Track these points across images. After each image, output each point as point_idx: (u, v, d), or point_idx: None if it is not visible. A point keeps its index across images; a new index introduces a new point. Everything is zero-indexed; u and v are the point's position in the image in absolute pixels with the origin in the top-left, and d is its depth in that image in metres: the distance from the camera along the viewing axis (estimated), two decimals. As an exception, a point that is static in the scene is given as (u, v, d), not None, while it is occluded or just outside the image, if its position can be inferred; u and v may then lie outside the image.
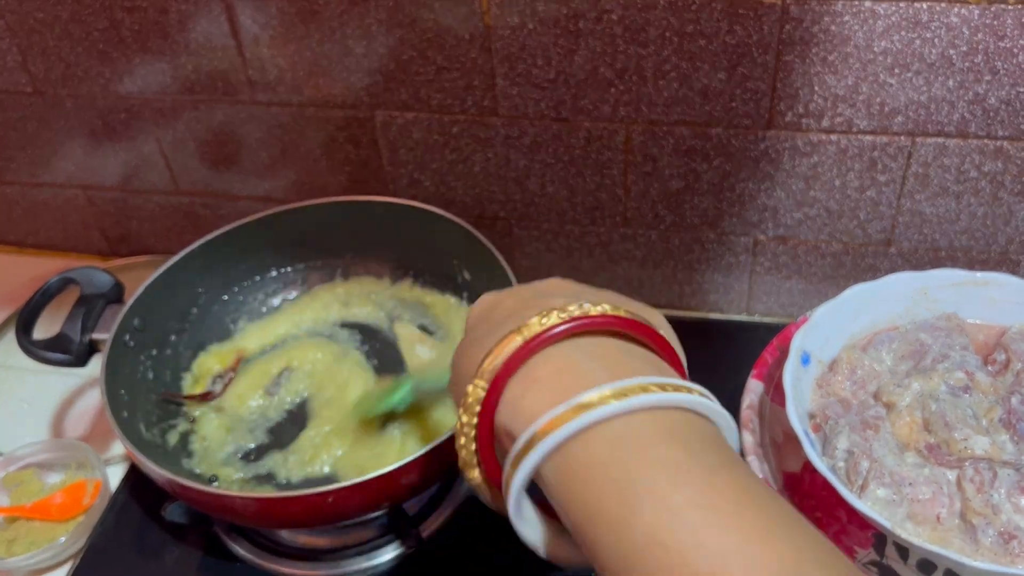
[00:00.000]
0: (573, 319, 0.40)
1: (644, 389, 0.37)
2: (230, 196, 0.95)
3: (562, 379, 0.39)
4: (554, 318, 0.40)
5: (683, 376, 0.44)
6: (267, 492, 0.71)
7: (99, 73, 0.88)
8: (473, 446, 0.42)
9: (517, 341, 0.40)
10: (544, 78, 0.78)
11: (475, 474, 0.43)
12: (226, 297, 0.85)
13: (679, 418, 0.38)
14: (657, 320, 0.47)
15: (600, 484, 0.36)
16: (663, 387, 0.38)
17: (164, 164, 0.94)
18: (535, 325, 0.40)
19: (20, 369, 0.91)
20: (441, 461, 0.63)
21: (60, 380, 0.89)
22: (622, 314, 0.42)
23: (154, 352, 0.78)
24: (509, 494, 0.39)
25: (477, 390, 0.40)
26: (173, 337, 0.80)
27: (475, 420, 0.41)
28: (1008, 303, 0.70)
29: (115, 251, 1.05)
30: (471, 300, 0.83)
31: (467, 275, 0.82)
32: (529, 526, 0.41)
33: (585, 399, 0.37)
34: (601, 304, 0.42)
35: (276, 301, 0.87)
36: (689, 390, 0.39)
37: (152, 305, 0.77)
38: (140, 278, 0.78)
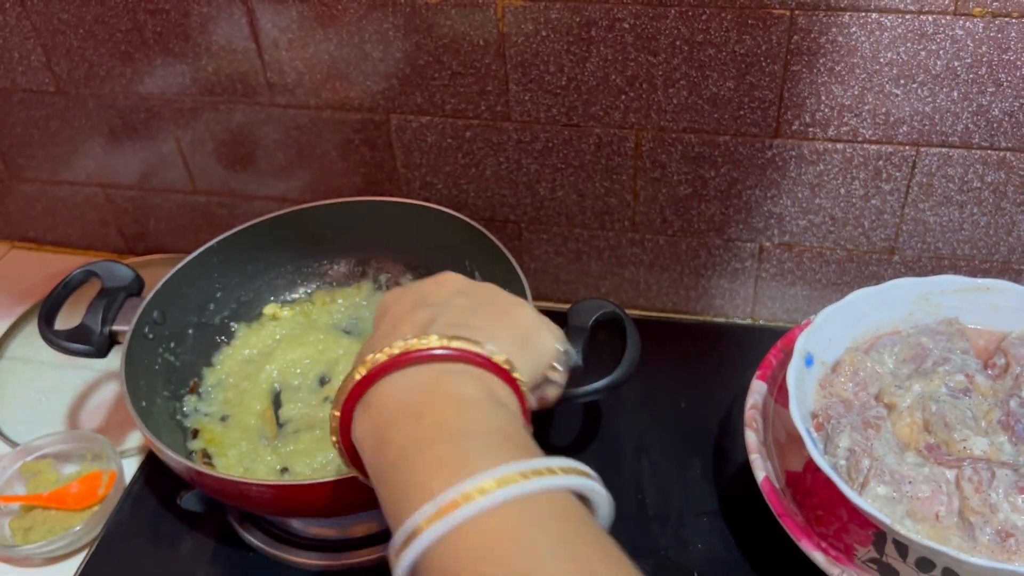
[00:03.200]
0: (394, 356, 0.46)
1: (523, 476, 0.38)
2: (246, 196, 0.97)
3: (386, 406, 0.45)
4: (383, 355, 0.46)
5: (519, 395, 0.48)
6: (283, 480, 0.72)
7: (121, 73, 0.90)
8: (344, 456, 0.50)
9: (361, 373, 0.47)
10: (556, 84, 0.80)
11: (356, 472, 0.51)
12: (242, 293, 0.86)
13: (545, 503, 0.39)
14: (507, 335, 0.50)
15: None
16: (531, 473, 0.39)
17: (182, 164, 0.96)
18: (369, 363, 0.46)
19: (37, 362, 0.93)
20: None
21: (76, 373, 0.91)
22: (452, 346, 0.46)
23: (172, 344, 0.80)
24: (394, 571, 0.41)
25: (335, 412, 0.48)
26: (191, 331, 0.82)
27: (337, 439, 0.49)
28: (1008, 309, 0.72)
29: (132, 249, 1.06)
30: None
31: (478, 276, 0.84)
32: None
33: (463, 491, 0.38)
34: (429, 336, 0.46)
35: (292, 297, 0.89)
36: (551, 471, 0.39)
37: (171, 299, 0.78)
38: (156, 275, 0.79)
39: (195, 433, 0.77)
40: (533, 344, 0.52)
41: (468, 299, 0.52)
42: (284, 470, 0.73)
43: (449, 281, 0.54)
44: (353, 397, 0.47)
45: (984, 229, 0.81)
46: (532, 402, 0.51)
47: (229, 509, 0.75)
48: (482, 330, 0.49)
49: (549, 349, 0.53)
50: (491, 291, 0.54)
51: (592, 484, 0.41)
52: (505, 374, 0.47)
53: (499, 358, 0.47)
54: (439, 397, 0.44)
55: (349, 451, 0.49)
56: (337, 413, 0.48)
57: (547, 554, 0.36)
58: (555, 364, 0.54)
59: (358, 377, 0.46)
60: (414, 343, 0.46)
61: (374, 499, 0.65)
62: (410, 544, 0.38)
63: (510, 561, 0.36)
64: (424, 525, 0.37)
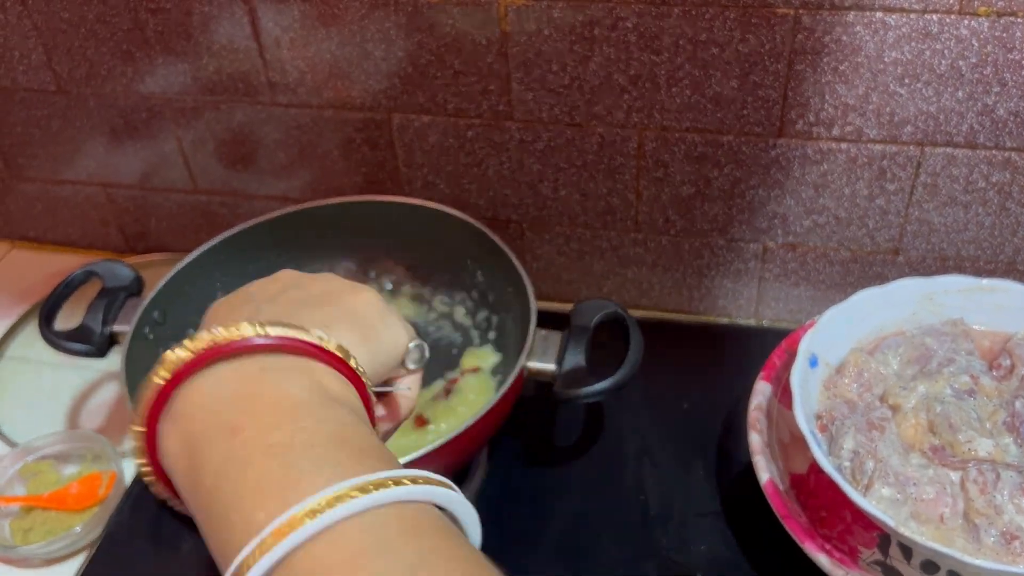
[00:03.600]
0: (200, 352, 0.38)
1: (361, 489, 0.33)
2: (247, 195, 0.97)
3: (195, 418, 0.37)
4: (186, 352, 0.38)
5: (361, 389, 0.41)
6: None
7: (122, 73, 0.89)
8: (155, 480, 0.40)
9: (163, 376, 0.38)
10: (559, 84, 0.80)
11: (172, 499, 0.41)
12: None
13: (393, 519, 0.33)
14: (344, 323, 0.43)
15: None
16: (371, 486, 0.33)
17: (183, 163, 0.96)
18: (172, 362, 0.38)
19: (38, 362, 0.93)
20: (458, 453, 0.64)
21: (77, 373, 0.91)
22: (269, 333, 0.39)
23: (173, 345, 0.79)
24: None
25: (137, 428, 0.39)
26: (191, 331, 0.81)
27: (146, 462, 0.39)
28: (1014, 310, 0.71)
29: (132, 248, 1.06)
30: (482, 300, 0.85)
31: (480, 276, 0.83)
32: None
33: (290, 518, 0.32)
34: (240, 324, 0.38)
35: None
36: (397, 482, 0.34)
37: (172, 299, 0.78)
38: (157, 275, 0.79)
39: None
40: (377, 334, 0.44)
41: (301, 291, 0.45)
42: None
43: (282, 276, 0.47)
44: (157, 407, 0.38)
45: (989, 229, 0.81)
46: (377, 406, 0.45)
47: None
48: (313, 318, 0.41)
49: (397, 342, 0.46)
50: (329, 280, 0.47)
51: (448, 493, 0.35)
52: (341, 363, 0.40)
53: (330, 344, 0.40)
54: (257, 402, 0.37)
55: (159, 473, 0.40)
56: (140, 428, 0.38)
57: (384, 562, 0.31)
58: (406, 362, 0.47)
59: (160, 381, 0.38)
60: (223, 334, 0.38)
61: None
62: None
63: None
64: (249, 563, 0.32)
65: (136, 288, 0.78)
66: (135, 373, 0.72)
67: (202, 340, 0.38)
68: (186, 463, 0.37)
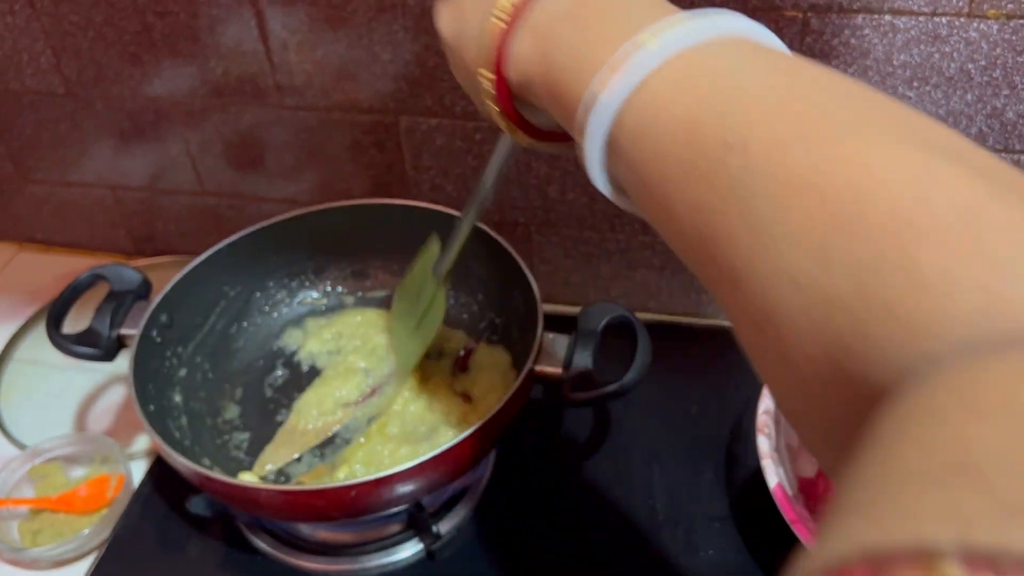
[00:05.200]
0: None
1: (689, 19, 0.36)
2: (255, 198, 0.97)
3: (539, 28, 0.42)
4: None
5: None
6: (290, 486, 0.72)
7: (130, 75, 0.89)
8: (509, 123, 0.46)
9: (502, 16, 0.42)
10: (567, 86, 0.79)
11: (510, 128, 0.47)
12: (250, 297, 0.86)
13: (732, 44, 0.36)
14: None
15: (683, 129, 0.33)
16: (700, 15, 0.36)
17: (191, 166, 0.96)
18: (501, 6, 0.42)
19: (46, 364, 0.93)
20: (465, 455, 0.64)
21: (84, 376, 0.91)
22: None
23: (180, 348, 0.79)
24: (587, 167, 0.39)
25: (488, 74, 0.44)
26: (199, 333, 0.82)
27: (498, 106, 0.45)
28: None
29: (140, 250, 1.06)
30: (488, 303, 0.84)
31: (486, 279, 0.83)
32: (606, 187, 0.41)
33: (632, 43, 0.35)
34: None
35: (299, 301, 0.89)
36: (721, 15, 0.37)
37: (179, 302, 0.78)
38: (164, 277, 0.79)
39: None
40: None
41: None
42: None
43: None
44: (501, 50, 0.43)
45: (998, 232, 0.80)
46: None
47: (237, 513, 0.74)
48: None
49: None
50: None
51: (767, 32, 0.38)
52: None
53: None
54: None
55: (511, 115, 0.46)
56: (491, 75, 0.44)
57: (747, 74, 0.34)
58: None
59: (501, 24, 0.42)
60: None
61: (383, 504, 0.65)
62: (588, 117, 0.36)
63: (716, 83, 0.33)
64: (598, 89, 0.35)
65: (143, 291, 0.78)
66: (143, 376, 0.72)
67: None
68: (539, 56, 0.41)
